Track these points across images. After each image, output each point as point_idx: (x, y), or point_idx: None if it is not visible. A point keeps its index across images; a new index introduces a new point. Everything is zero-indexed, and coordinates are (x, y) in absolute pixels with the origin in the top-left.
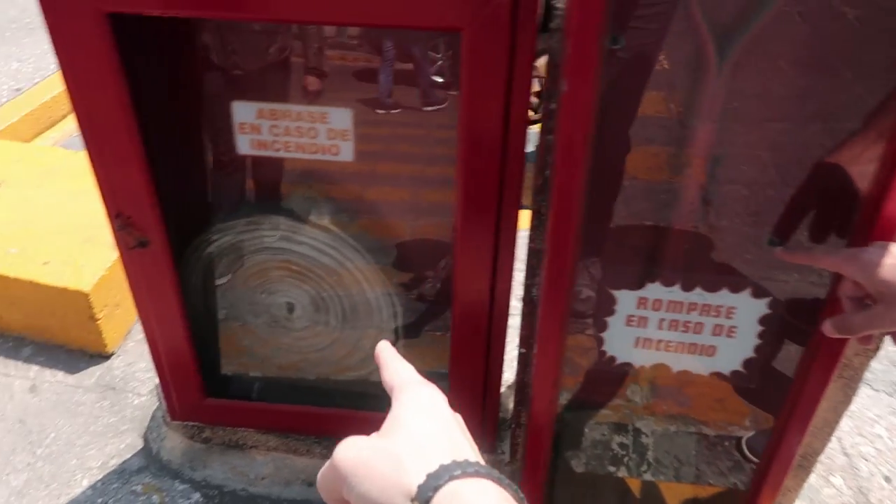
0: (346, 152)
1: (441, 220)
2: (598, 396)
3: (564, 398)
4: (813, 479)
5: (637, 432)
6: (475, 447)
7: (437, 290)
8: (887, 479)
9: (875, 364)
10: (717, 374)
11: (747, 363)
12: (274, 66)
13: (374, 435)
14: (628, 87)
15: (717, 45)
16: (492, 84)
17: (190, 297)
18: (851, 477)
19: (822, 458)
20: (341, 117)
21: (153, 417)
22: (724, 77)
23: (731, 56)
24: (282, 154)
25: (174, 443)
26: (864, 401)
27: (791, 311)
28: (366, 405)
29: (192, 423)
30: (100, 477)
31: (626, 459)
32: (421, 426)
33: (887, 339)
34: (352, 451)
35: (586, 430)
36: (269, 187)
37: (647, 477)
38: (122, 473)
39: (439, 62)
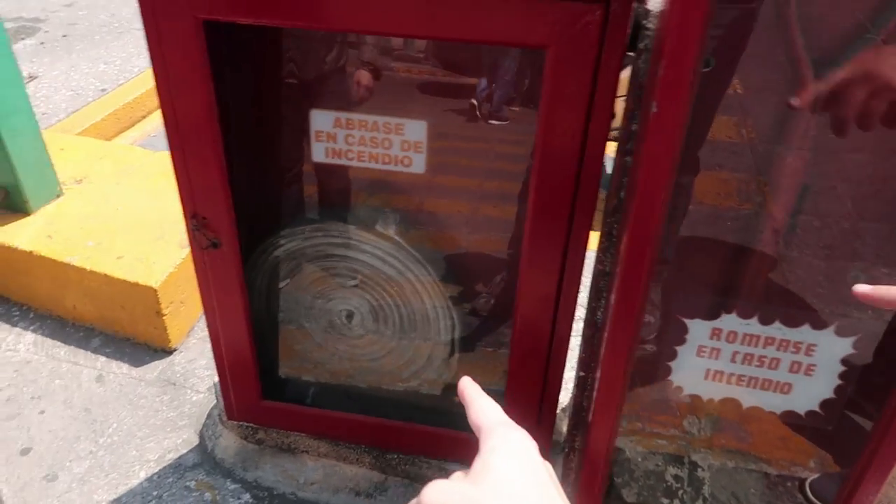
0: (417, 164)
1: (504, 236)
2: (654, 425)
3: (621, 425)
4: None
5: (693, 465)
6: (565, 497)
7: (493, 305)
8: None
9: None
10: (791, 413)
11: (825, 404)
12: (331, 75)
13: (461, 478)
14: (703, 108)
15: (815, 71)
16: (573, 102)
17: (254, 299)
18: None
19: None
20: (416, 129)
21: (209, 415)
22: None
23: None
24: (355, 163)
25: (228, 442)
26: None
27: (875, 352)
28: (418, 418)
29: (246, 424)
30: (156, 470)
31: (680, 493)
32: (511, 474)
33: None
34: (441, 497)
35: (640, 459)
36: (338, 195)
37: None
38: (177, 468)
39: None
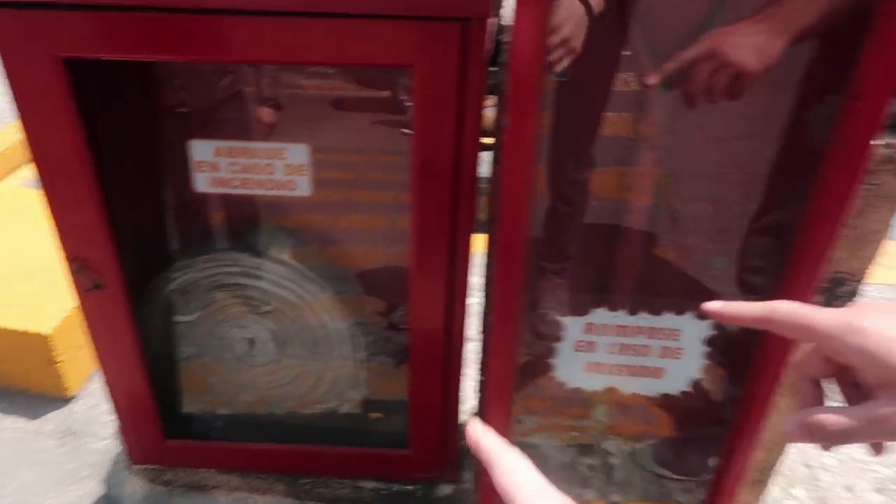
0: (303, 187)
1: (401, 249)
2: (566, 418)
3: (532, 422)
4: (776, 491)
5: (605, 453)
6: None
7: (400, 318)
8: (848, 489)
9: None
10: (667, 396)
11: (695, 384)
12: (230, 102)
13: None
14: (583, 111)
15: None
16: (442, 116)
17: (150, 337)
18: (813, 488)
19: (785, 470)
20: (298, 153)
21: (114, 462)
22: (666, 101)
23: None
24: (240, 191)
25: (135, 487)
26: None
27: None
28: (328, 439)
29: (152, 466)
30: None
31: (593, 481)
32: None
33: None
34: None
35: (555, 452)
36: (229, 223)
37: (615, 498)
38: None
39: None
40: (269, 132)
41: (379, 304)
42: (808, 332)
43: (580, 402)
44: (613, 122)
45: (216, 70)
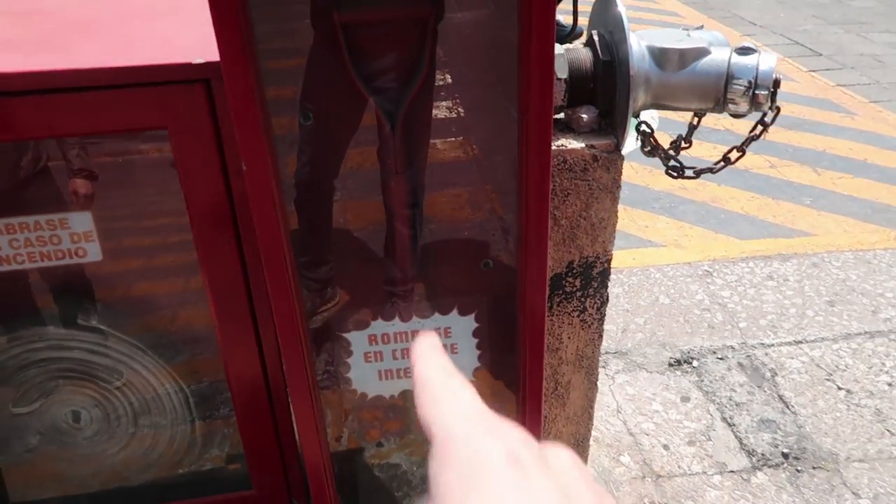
0: (93, 252)
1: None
2: (418, 433)
3: (393, 443)
4: (606, 462)
5: None
6: None
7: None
8: (666, 448)
9: (648, 349)
10: None
11: (476, 373)
12: (37, 179)
13: None
14: (325, 150)
15: (385, 113)
16: (206, 171)
17: None
18: (637, 452)
19: (612, 441)
20: (81, 220)
21: None
22: (399, 136)
23: (400, 118)
24: (27, 266)
25: None
26: (642, 383)
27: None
28: (172, 496)
29: None
30: None
31: None
32: None
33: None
34: None
35: (416, 468)
36: (27, 299)
37: None
38: None
39: None
40: (88, 203)
41: (193, 356)
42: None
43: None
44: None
45: (16, 148)
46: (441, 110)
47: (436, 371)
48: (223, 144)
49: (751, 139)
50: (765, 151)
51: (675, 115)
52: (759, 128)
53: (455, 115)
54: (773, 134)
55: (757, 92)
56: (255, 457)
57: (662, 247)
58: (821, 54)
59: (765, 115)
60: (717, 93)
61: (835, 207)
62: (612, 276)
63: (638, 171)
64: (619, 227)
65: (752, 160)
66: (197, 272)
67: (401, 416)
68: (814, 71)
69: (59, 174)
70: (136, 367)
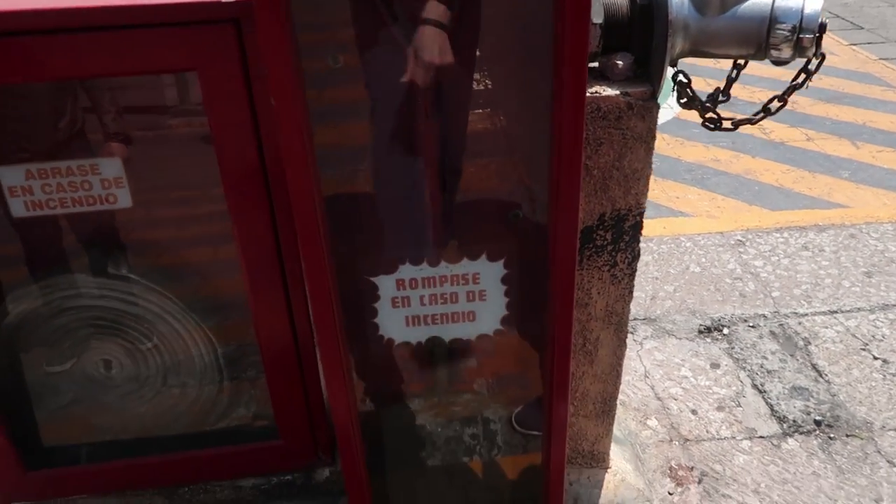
0: (123, 199)
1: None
2: (448, 395)
3: (417, 405)
4: (633, 425)
5: (486, 421)
6: None
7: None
8: (694, 412)
9: (677, 316)
10: (483, 337)
11: (504, 321)
12: (68, 142)
13: None
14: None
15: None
16: (235, 113)
17: None
18: (664, 416)
19: (639, 405)
20: (111, 167)
21: None
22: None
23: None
24: (59, 211)
25: None
26: (671, 349)
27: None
28: (199, 444)
29: (18, 502)
30: None
31: (477, 448)
32: None
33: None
34: None
35: (440, 429)
36: (59, 246)
37: (498, 457)
38: None
39: None
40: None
41: (225, 312)
42: None
43: (460, 378)
44: None
45: (53, 111)
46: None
47: None
48: (253, 89)
49: (793, 87)
50: (802, 124)
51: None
52: (802, 76)
53: (483, 88)
54: (812, 107)
55: (801, 36)
56: (283, 408)
57: (693, 217)
58: (862, 28)
59: (809, 61)
60: (760, 38)
61: (874, 181)
62: (641, 245)
63: (669, 142)
64: (648, 197)
65: (788, 133)
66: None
67: (426, 377)
68: (855, 45)
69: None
70: (165, 315)
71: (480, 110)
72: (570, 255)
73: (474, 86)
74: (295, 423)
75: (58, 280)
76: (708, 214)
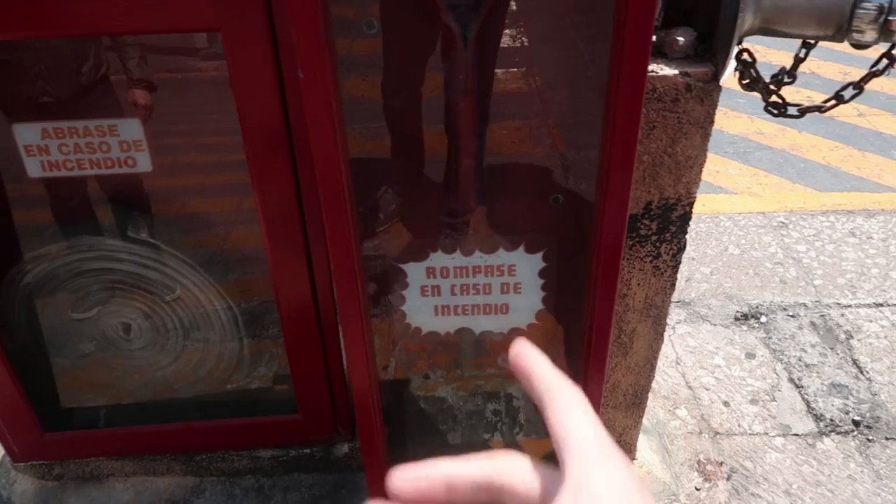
0: (143, 163)
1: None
2: (471, 369)
3: (439, 376)
4: (661, 414)
5: (509, 397)
6: None
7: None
8: (726, 404)
9: (713, 300)
10: (516, 330)
11: (539, 315)
12: (91, 87)
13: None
14: (405, 65)
15: (459, 27)
16: (260, 78)
17: (13, 331)
18: (695, 407)
19: (668, 393)
20: (131, 128)
21: (1, 463)
22: (471, 52)
23: (474, 33)
24: (76, 173)
25: (25, 486)
26: (705, 335)
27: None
28: (219, 413)
29: (40, 462)
30: None
31: (499, 425)
32: None
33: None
34: None
35: (461, 403)
36: (77, 208)
37: (520, 437)
38: None
39: None
40: (147, 115)
41: (245, 279)
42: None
43: (484, 350)
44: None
45: (76, 55)
46: (504, 38)
47: (555, 375)
48: (280, 52)
49: (873, 74)
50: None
51: None
52: (884, 61)
53: (519, 45)
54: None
55: (891, 18)
56: (302, 382)
57: (734, 194)
58: None
59: (893, 46)
60: (841, 18)
61: None
62: None
63: None
64: None
65: (838, 107)
66: (249, 190)
67: (449, 350)
68: None
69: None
70: (186, 282)
71: (515, 69)
72: (616, 244)
73: (509, 43)
74: (315, 397)
75: (78, 242)
76: (749, 192)
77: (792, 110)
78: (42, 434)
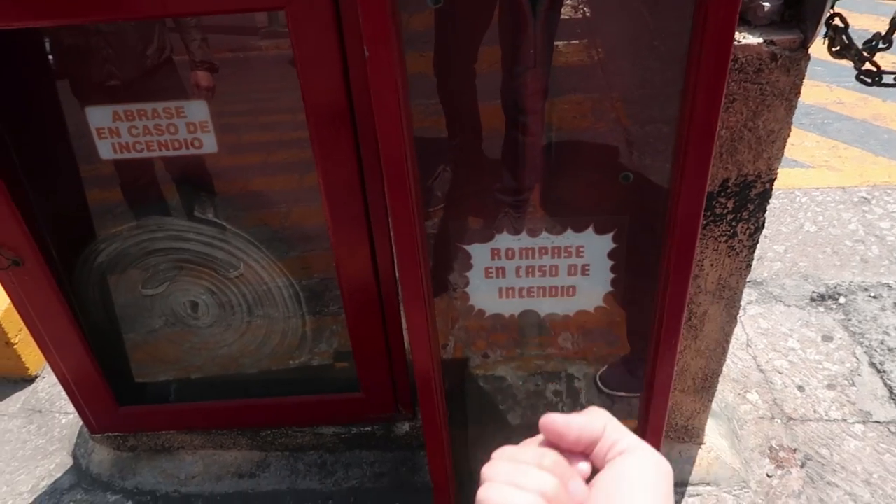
0: (209, 144)
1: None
2: (532, 348)
3: (498, 355)
4: (730, 398)
5: (570, 378)
6: None
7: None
8: (800, 389)
9: (787, 280)
10: (582, 313)
11: (608, 298)
12: (156, 69)
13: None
14: (461, 41)
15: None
16: (324, 57)
17: (88, 309)
18: (767, 391)
19: (738, 376)
20: (198, 110)
21: (80, 434)
22: (540, 25)
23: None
24: (145, 154)
25: (102, 455)
26: (778, 317)
27: (635, 243)
28: (284, 390)
29: (115, 434)
30: (31, 500)
31: (560, 406)
32: None
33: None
34: None
35: (521, 383)
36: (146, 189)
37: None
38: (53, 493)
39: None
40: (210, 96)
41: (308, 259)
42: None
43: (545, 330)
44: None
45: (141, 38)
46: (566, 9)
47: (583, 418)
48: (343, 30)
49: None
50: None
51: None
52: None
53: (581, 16)
54: None
55: None
56: (364, 361)
57: (811, 168)
58: None
59: None
60: None
61: None
62: None
63: None
64: None
65: None
66: (312, 169)
67: (509, 329)
68: None
69: (181, 65)
70: (249, 260)
71: (577, 41)
72: (691, 228)
73: (569, 14)
74: (376, 376)
75: (147, 221)
76: (828, 166)
77: (888, 79)
78: (117, 408)
